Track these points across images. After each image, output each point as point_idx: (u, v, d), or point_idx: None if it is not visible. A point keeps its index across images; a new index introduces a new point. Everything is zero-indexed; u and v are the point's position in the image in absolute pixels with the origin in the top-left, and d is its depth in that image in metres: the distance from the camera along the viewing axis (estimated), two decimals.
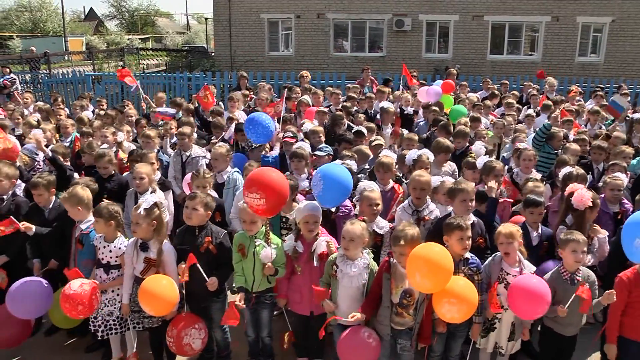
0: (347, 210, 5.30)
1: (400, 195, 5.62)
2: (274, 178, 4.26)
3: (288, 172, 5.94)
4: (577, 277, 4.28)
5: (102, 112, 9.40)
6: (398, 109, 9.62)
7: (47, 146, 6.75)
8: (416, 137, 7.35)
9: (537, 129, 7.64)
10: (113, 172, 6.16)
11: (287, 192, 4.42)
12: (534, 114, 9.54)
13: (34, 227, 5.04)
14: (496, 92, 11.84)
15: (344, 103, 9.84)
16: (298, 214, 4.66)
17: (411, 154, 6.16)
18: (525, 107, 10.89)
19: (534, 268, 4.41)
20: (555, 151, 7.29)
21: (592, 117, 9.55)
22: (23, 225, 4.96)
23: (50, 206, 5.38)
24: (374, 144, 7.10)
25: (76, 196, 4.88)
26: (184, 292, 4.47)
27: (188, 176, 6.10)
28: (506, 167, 6.79)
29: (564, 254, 4.32)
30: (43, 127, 7.77)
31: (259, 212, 4.26)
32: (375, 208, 4.89)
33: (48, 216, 5.33)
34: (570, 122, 8.70)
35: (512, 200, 5.79)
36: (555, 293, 4.21)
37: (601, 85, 14.46)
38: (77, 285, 4.46)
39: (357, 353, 4.16)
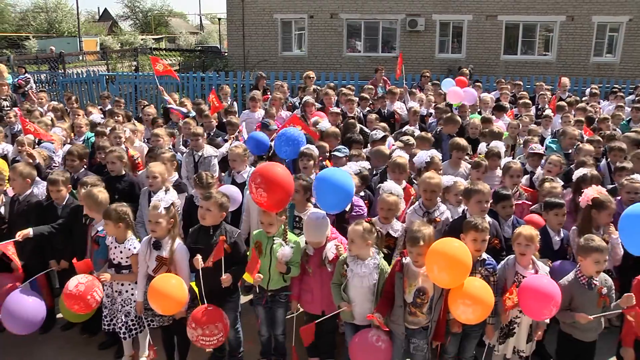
0: (360, 211, 5.29)
1: (412, 197, 5.61)
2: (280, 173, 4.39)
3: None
4: (594, 282, 4.19)
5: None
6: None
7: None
8: (429, 136, 7.31)
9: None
10: (124, 172, 6.18)
11: (291, 188, 4.48)
12: (552, 115, 9.47)
13: (30, 231, 5.02)
14: (509, 92, 11.75)
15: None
16: (305, 231, 4.65)
17: (422, 156, 6.10)
18: (534, 107, 10.83)
19: (548, 269, 4.36)
20: (568, 152, 7.21)
21: (613, 119, 9.42)
22: (19, 235, 4.93)
23: (64, 203, 5.45)
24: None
25: (92, 197, 4.94)
26: (202, 288, 4.47)
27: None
28: None
29: (585, 263, 4.18)
30: (59, 126, 7.90)
31: (263, 205, 4.37)
32: (388, 212, 4.88)
33: (61, 213, 5.40)
34: (582, 122, 8.62)
35: (530, 203, 5.73)
36: (573, 299, 4.14)
37: (617, 86, 14.29)
38: (74, 285, 4.55)
39: (368, 357, 4.17)
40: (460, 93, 10.07)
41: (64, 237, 5.29)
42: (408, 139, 6.92)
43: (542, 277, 4.16)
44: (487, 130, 7.81)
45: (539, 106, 10.88)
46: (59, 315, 5.63)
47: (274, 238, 4.56)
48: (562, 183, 5.89)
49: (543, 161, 6.68)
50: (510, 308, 4.12)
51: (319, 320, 4.45)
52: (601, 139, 7.53)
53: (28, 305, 4.87)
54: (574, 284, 4.22)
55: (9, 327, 4.91)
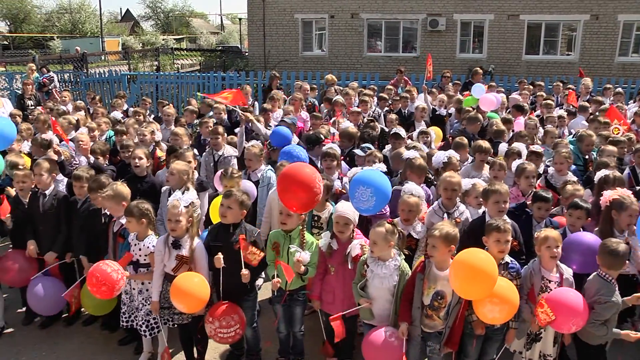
0: (383, 210, 5.24)
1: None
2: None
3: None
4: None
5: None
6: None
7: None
8: (465, 142, 7.06)
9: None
10: (146, 173, 6.21)
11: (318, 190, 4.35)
12: (565, 114, 9.31)
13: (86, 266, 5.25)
14: (528, 92, 11.59)
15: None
16: (334, 212, 4.67)
17: (440, 156, 6.08)
18: (557, 107, 10.65)
19: (571, 271, 4.30)
20: (586, 156, 7.07)
21: (639, 119, 9.18)
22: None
23: (83, 199, 5.57)
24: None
25: (121, 194, 5.00)
26: (220, 286, 4.51)
27: (219, 173, 6.15)
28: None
29: (612, 273, 4.15)
30: (90, 125, 8.03)
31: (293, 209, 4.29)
32: (409, 213, 4.87)
33: (80, 206, 5.54)
34: (608, 124, 8.45)
35: None
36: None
37: None
38: (109, 267, 4.54)
39: (380, 354, 4.16)
40: (493, 100, 9.77)
41: (86, 236, 5.43)
42: (411, 143, 6.88)
43: (568, 291, 4.09)
44: (493, 129, 7.81)
45: (562, 107, 10.69)
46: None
47: (291, 245, 4.52)
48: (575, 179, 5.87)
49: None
50: (545, 324, 4.01)
51: (344, 312, 4.40)
52: (626, 140, 7.37)
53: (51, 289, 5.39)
54: (602, 283, 4.13)
55: (36, 308, 5.47)
